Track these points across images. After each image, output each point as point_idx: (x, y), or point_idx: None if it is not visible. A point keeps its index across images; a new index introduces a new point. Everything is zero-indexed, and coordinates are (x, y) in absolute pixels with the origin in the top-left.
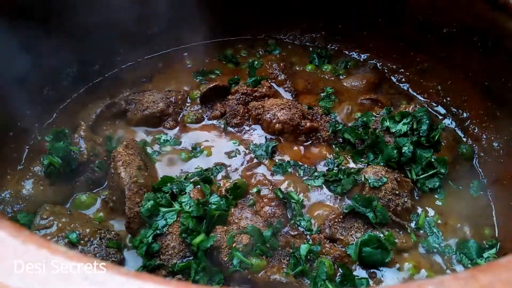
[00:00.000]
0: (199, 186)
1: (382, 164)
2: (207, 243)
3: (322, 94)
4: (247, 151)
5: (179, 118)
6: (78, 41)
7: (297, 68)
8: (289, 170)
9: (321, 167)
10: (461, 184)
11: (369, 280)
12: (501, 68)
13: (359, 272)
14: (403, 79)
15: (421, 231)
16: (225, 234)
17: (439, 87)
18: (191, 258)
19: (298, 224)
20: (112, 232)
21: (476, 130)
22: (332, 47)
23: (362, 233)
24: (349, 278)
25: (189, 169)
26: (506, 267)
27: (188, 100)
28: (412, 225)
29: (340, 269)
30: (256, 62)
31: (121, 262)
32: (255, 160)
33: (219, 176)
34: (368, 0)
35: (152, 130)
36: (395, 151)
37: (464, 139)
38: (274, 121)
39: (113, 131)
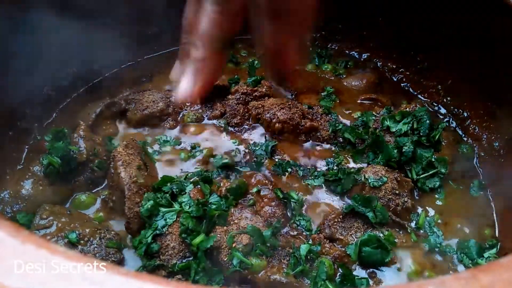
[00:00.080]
0: (199, 186)
1: (382, 163)
2: (207, 243)
3: (322, 94)
4: (247, 151)
5: (179, 118)
6: (77, 40)
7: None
8: (289, 169)
9: (321, 167)
10: (462, 184)
11: (369, 280)
12: (502, 68)
13: (359, 272)
14: (404, 79)
15: (421, 231)
16: (225, 234)
17: (439, 86)
18: (191, 258)
19: (298, 224)
20: (112, 232)
21: (477, 129)
22: (332, 47)
23: (362, 233)
24: (349, 278)
25: (189, 169)
26: (507, 267)
27: None
28: (412, 225)
29: (340, 269)
30: (256, 62)
31: (120, 262)
32: (255, 160)
33: (219, 176)
34: None
35: (152, 130)
36: (395, 151)
37: (465, 139)
38: (274, 120)
39: (113, 130)
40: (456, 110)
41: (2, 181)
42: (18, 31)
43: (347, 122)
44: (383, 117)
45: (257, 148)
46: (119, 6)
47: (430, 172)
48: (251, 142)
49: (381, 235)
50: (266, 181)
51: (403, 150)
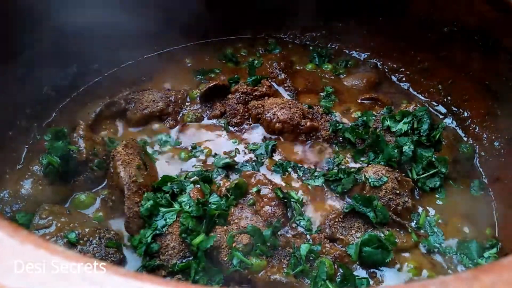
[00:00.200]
0: (199, 186)
1: (382, 163)
2: (207, 243)
3: (322, 94)
4: (247, 151)
5: (179, 118)
6: (77, 40)
7: (297, 67)
8: (289, 169)
9: (321, 167)
10: (462, 184)
11: (369, 280)
12: (502, 67)
13: (359, 272)
14: (404, 78)
15: (422, 231)
16: (225, 234)
17: (439, 86)
18: (191, 258)
19: (298, 223)
20: (112, 232)
21: (477, 129)
22: (333, 46)
23: (363, 232)
24: (349, 278)
25: (189, 169)
26: (508, 267)
27: (188, 99)
28: (413, 224)
29: (340, 269)
30: (256, 61)
31: (120, 262)
32: (254, 160)
33: (219, 176)
34: None
35: (152, 130)
36: (395, 151)
37: (465, 139)
38: (274, 120)
39: (112, 130)
40: (456, 109)
41: (2, 181)
42: (18, 31)
43: (348, 122)
44: (383, 116)
45: (257, 148)
46: (119, 4)
47: (431, 172)
48: (251, 141)
49: (382, 235)
50: (266, 181)
51: (404, 149)
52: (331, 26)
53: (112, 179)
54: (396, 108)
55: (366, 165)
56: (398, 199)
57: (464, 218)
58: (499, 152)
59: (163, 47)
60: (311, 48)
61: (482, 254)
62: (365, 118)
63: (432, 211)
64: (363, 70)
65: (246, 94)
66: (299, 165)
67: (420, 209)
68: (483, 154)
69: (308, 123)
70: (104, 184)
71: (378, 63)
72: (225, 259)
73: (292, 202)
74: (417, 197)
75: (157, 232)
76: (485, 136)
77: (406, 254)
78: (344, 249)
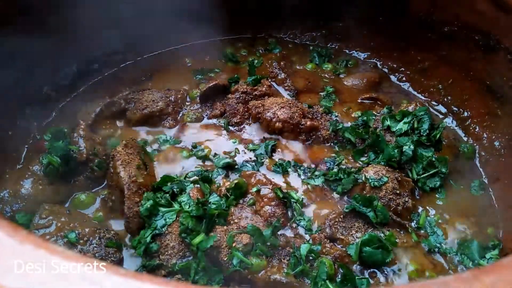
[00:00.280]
0: (198, 186)
1: (382, 163)
2: (207, 243)
3: (322, 93)
4: (246, 150)
5: (178, 117)
6: (77, 40)
7: (297, 67)
8: (289, 169)
9: (321, 166)
10: (462, 184)
11: (370, 280)
12: (502, 67)
13: (360, 272)
14: (404, 78)
15: (422, 231)
16: (225, 234)
17: (440, 86)
18: (190, 258)
19: (298, 223)
20: (112, 232)
21: (477, 129)
22: (333, 46)
23: (363, 232)
24: (350, 278)
25: (189, 169)
26: (508, 267)
27: (188, 99)
28: (413, 224)
29: (340, 269)
30: (256, 61)
31: (120, 262)
32: (254, 159)
33: (219, 176)
34: None
35: (152, 129)
36: (395, 151)
37: (465, 138)
38: (274, 120)
39: (112, 130)
40: (456, 109)
41: (2, 181)
42: (17, 31)
43: (348, 122)
44: (383, 116)
45: (257, 148)
46: (119, 4)
47: (431, 172)
48: (251, 141)
49: (382, 235)
50: (266, 181)
51: (404, 149)
52: (331, 26)
53: (112, 179)
54: (396, 108)
55: (366, 165)
56: (398, 199)
57: (465, 218)
58: (499, 152)
59: (163, 47)
60: (311, 48)
61: (484, 254)
62: (365, 118)
63: (432, 211)
64: (363, 70)
65: (246, 94)
66: (299, 164)
67: (420, 209)
68: (483, 154)
69: (308, 123)
70: (104, 184)
71: (378, 63)
72: (225, 259)
73: (292, 202)
74: (417, 197)
75: (157, 232)
76: (485, 136)
77: (407, 254)
78: (344, 249)
